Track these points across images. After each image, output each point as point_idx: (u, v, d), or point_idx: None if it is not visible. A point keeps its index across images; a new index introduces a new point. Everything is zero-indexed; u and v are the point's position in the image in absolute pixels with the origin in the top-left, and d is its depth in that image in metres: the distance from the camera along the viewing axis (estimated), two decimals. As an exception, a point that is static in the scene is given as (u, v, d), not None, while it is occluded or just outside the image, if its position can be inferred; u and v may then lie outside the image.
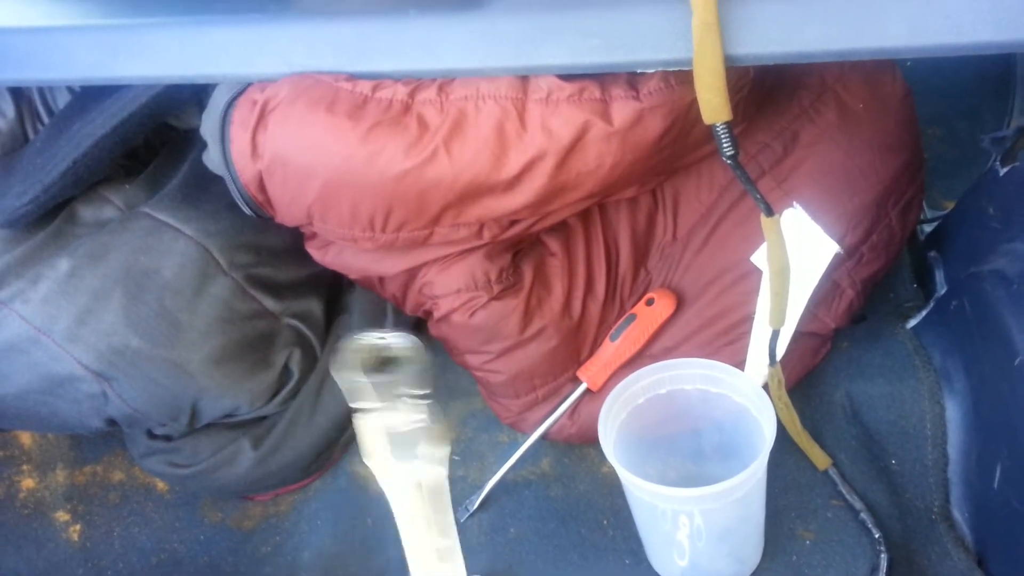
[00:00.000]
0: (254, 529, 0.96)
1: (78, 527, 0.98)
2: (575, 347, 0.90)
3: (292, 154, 0.71)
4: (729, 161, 0.64)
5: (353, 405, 0.75)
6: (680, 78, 0.69)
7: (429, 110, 0.69)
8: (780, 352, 0.81)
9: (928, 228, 1.03)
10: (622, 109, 0.69)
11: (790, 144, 0.87)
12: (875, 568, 0.80)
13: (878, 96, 0.87)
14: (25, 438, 1.04)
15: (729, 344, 0.88)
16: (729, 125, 0.62)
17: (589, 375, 0.90)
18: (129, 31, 0.72)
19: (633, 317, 0.90)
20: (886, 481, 0.86)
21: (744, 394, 0.77)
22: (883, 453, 0.88)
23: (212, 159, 0.77)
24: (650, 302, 0.91)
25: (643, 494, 0.72)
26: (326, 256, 0.87)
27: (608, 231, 0.91)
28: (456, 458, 0.96)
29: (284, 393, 0.92)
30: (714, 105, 0.61)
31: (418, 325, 0.96)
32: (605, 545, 0.87)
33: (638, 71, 0.69)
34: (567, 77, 0.68)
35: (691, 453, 0.84)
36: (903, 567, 0.80)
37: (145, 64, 0.72)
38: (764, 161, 0.88)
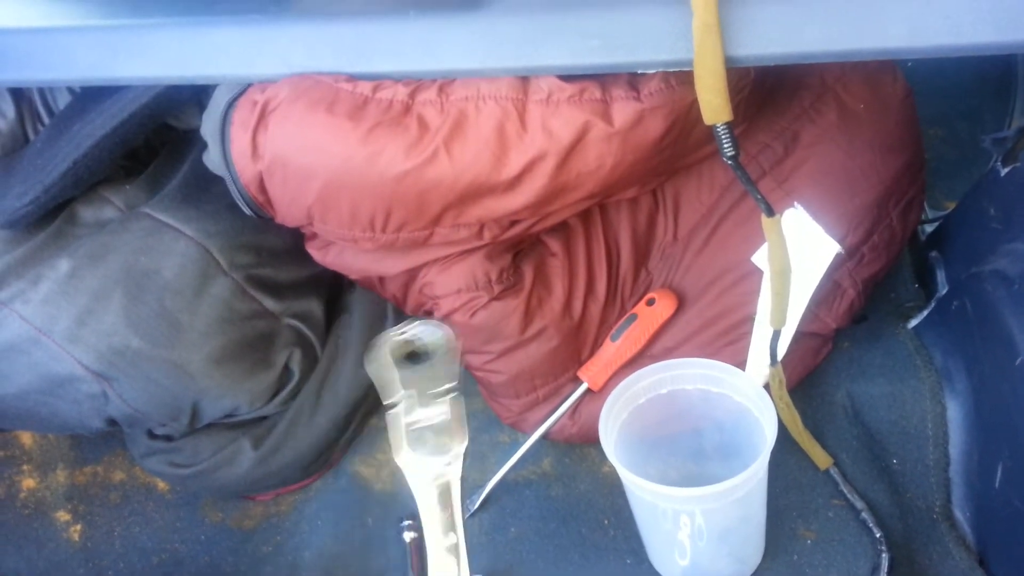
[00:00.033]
0: (255, 529, 0.96)
1: (79, 527, 0.98)
2: (576, 347, 0.90)
3: (292, 155, 0.71)
4: (730, 162, 0.64)
5: (386, 401, 0.75)
6: (681, 79, 0.68)
7: (429, 111, 0.69)
8: (781, 352, 0.81)
9: (929, 228, 1.02)
10: (623, 110, 0.69)
11: (791, 144, 0.87)
12: (876, 568, 0.80)
13: (879, 96, 0.87)
14: (26, 438, 1.04)
15: (730, 344, 0.88)
16: (730, 126, 0.62)
17: (590, 375, 0.90)
18: (129, 31, 0.72)
19: (634, 317, 0.90)
20: (887, 481, 0.86)
21: (745, 394, 0.77)
22: (884, 453, 0.88)
23: (212, 159, 0.77)
24: (651, 302, 0.91)
25: (644, 494, 0.72)
26: (326, 256, 0.87)
27: (609, 231, 0.91)
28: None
29: (284, 393, 0.92)
30: (715, 106, 0.61)
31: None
32: (606, 545, 0.87)
33: (639, 72, 0.69)
34: (568, 78, 0.68)
35: (692, 453, 0.84)
36: (904, 567, 0.80)
37: (145, 65, 0.72)
38: (765, 161, 0.88)
